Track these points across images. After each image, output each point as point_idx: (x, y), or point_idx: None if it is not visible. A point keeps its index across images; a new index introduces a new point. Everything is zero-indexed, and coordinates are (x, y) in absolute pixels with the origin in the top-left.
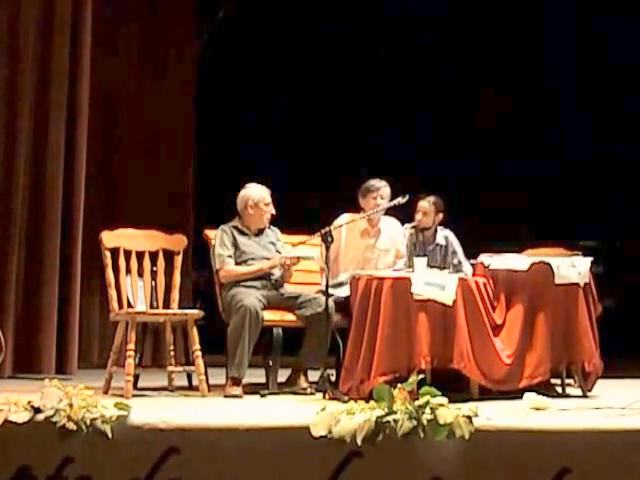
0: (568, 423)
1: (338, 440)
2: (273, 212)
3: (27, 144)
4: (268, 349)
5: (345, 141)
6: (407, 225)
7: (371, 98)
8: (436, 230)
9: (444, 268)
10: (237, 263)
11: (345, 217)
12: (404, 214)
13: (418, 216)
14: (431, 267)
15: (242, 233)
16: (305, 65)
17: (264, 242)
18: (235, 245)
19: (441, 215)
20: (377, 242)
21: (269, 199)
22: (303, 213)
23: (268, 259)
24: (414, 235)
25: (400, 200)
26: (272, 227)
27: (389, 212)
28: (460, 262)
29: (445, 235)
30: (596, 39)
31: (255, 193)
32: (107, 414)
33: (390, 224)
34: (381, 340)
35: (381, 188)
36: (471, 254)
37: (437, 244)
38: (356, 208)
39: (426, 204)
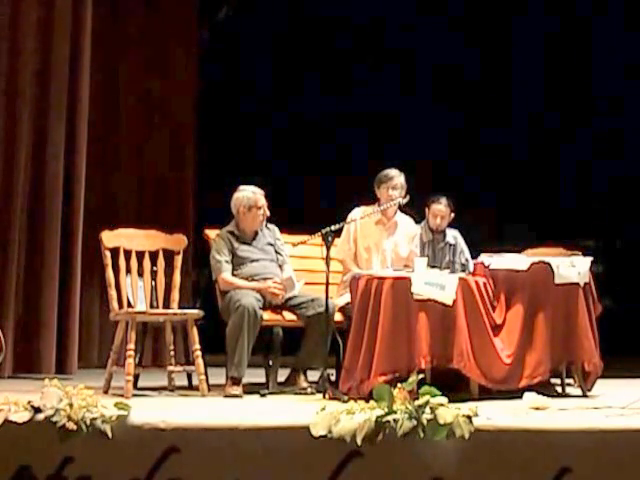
0: (568, 423)
1: (338, 440)
2: (267, 214)
3: (27, 144)
4: (268, 349)
5: (345, 140)
6: (419, 225)
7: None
8: (445, 229)
9: (452, 266)
10: (235, 268)
11: (358, 211)
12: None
13: (437, 221)
14: (440, 265)
15: (238, 239)
16: (308, 64)
17: (261, 244)
18: (232, 252)
19: (453, 215)
20: (392, 234)
21: (262, 201)
22: (304, 213)
23: (268, 260)
24: (424, 234)
25: (401, 200)
26: (269, 225)
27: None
28: (467, 260)
29: (454, 235)
30: None
31: (247, 197)
32: (107, 414)
33: (407, 222)
34: (381, 340)
35: (394, 178)
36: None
37: (447, 243)
38: (370, 201)
39: (443, 208)
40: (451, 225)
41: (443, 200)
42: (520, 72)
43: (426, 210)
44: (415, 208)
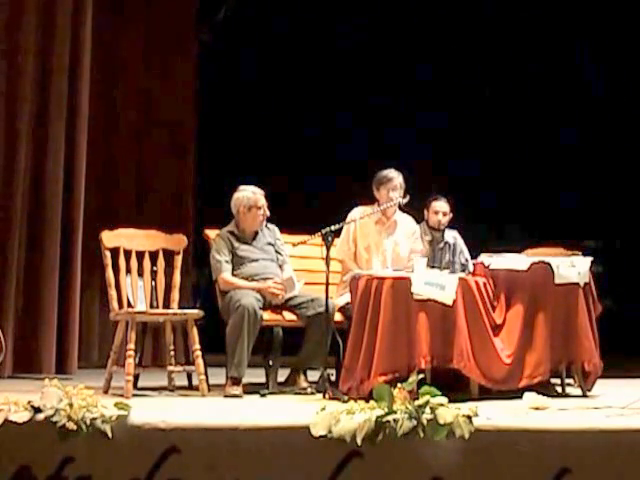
0: (568, 423)
1: (338, 440)
2: (267, 214)
3: (27, 144)
4: (268, 349)
5: (346, 140)
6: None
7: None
8: (444, 229)
9: (452, 266)
10: (235, 268)
11: (357, 211)
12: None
13: (439, 217)
14: (440, 265)
15: (238, 239)
16: (307, 63)
17: (261, 244)
18: (232, 252)
19: (451, 214)
20: (392, 234)
21: (262, 201)
22: (304, 213)
23: (268, 260)
24: (424, 235)
25: (401, 200)
26: (269, 225)
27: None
28: (467, 260)
29: (453, 235)
30: None
31: (247, 197)
32: (107, 414)
33: (406, 221)
34: (381, 340)
35: (394, 179)
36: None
37: (446, 243)
38: (370, 201)
39: (445, 205)
40: (450, 226)
41: (442, 198)
42: (518, 73)
43: (425, 211)
44: (415, 208)
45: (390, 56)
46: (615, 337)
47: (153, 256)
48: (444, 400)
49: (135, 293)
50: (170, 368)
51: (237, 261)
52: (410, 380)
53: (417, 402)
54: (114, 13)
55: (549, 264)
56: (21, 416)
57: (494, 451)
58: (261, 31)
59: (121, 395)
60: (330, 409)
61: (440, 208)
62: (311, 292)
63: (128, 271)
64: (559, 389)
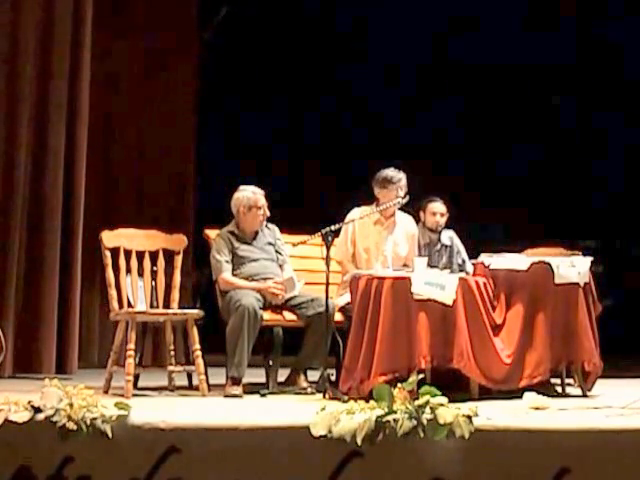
0: (568, 423)
1: (338, 440)
2: (268, 214)
3: (27, 145)
4: (268, 349)
5: (345, 140)
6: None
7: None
8: (441, 230)
9: (450, 268)
10: (235, 268)
11: (356, 211)
12: None
13: (436, 218)
14: (437, 267)
15: (238, 238)
16: (308, 63)
17: (261, 244)
18: (232, 252)
19: (447, 214)
20: (391, 234)
21: (262, 201)
22: (304, 213)
23: (268, 259)
24: (421, 237)
25: (401, 200)
26: (269, 225)
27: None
28: (464, 261)
29: (450, 235)
30: None
31: (247, 197)
32: (107, 414)
33: (406, 221)
34: (381, 340)
35: (402, 179)
36: (470, 254)
37: (443, 244)
38: (369, 201)
39: (441, 205)
40: (446, 226)
41: (438, 199)
42: (516, 72)
43: (421, 213)
44: (414, 209)
45: (390, 56)
46: (615, 337)
47: (153, 256)
48: (444, 400)
49: (135, 293)
50: (170, 368)
51: (237, 261)
52: (410, 380)
53: (417, 402)
54: (114, 13)
55: (549, 264)
56: (21, 416)
57: (494, 451)
58: (262, 30)
59: (121, 395)
60: (330, 409)
61: (437, 209)
62: (311, 292)
63: (128, 271)
64: (559, 389)
